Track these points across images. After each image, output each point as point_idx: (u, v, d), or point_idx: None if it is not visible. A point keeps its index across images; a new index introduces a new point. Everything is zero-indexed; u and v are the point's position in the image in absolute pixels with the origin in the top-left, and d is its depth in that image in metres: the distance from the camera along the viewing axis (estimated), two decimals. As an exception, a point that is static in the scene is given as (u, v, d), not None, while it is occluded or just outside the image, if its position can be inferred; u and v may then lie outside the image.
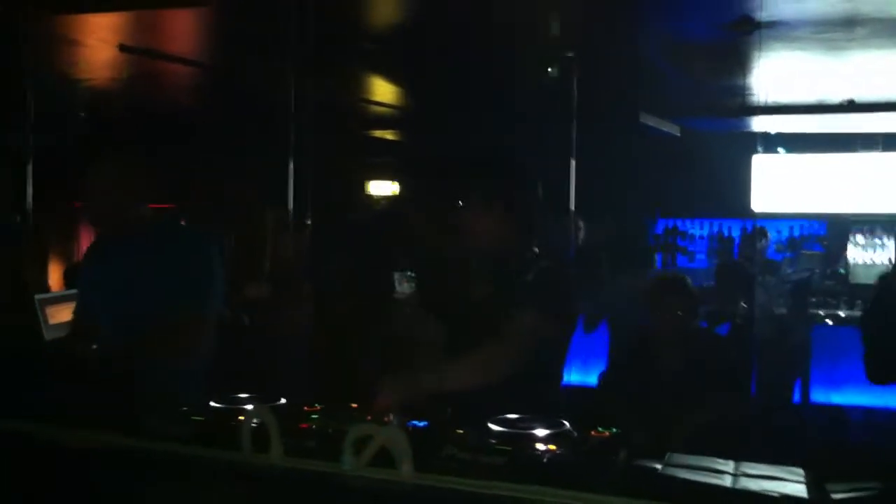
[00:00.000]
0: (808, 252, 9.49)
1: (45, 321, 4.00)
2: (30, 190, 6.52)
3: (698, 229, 10.30)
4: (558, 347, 3.08)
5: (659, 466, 2.19)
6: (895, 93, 7.54)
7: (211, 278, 3.33)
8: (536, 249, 3.08)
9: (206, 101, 8.61)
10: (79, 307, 3.51)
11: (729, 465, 2.22)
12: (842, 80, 7.15)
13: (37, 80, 6.77)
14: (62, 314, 4.01)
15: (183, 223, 4.24)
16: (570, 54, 6.24)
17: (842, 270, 9.06)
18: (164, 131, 8.75)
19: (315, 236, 6.09)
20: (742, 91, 7.58)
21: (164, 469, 2.07)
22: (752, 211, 9.05)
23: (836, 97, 7.75)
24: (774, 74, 6.97)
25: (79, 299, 3.53)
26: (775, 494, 2.03)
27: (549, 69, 6.59)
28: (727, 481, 2.11)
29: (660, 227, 10.48)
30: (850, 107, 7.86)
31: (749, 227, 8.33)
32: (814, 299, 7.73)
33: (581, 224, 7.00)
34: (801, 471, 2.19)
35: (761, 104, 8.05)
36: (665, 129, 8.27)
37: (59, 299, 4.20)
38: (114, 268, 3.37)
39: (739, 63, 6.58)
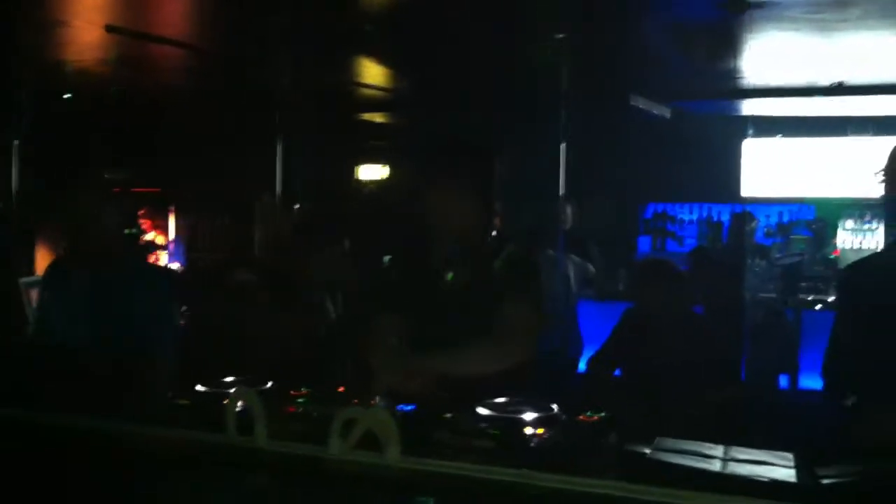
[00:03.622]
0: (798, 236, 9.50)
1: (30, 304, 3.97)
2: (15, 175, 6.50)
3: (688, 214, 10.29)
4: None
5: (648, 451, 2.18)
6: (886, 76, 7.51)
7: (167, 317, 3.39)
8: (495, 232, 3.06)
9: (195, 84, 8.54)
10: (36, 326, 3.51)
11: (718, 450, 2.20)
12: (833, 62, 7.12)
13: (24, 64, 6.74)
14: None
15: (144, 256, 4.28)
16: (559, 35, 6.20)
17: (831, 255, 9.09)
18: (152, 115, 8.71)
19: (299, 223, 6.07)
20: (733, 73, 7.55)
21: (148, 452, 2.04)
22: (741, 195, 9.07)
23: (826, 80, 7.72)
24: (765, 56, 6.94)
25: (37, 317, 3.53)
26: (765, 479, 2.02)
27: (539, 51, 6.56)
28: (716, 466, 2.10)
29: (649, 212, 10.46)
30: (841, 89, 7.83)
31: (738, 212, 8.32)
32: (803, 284, 7.74)
33: (570, 208, 6.97)
34: (790, 455, 2.18)
35: (752, 86, 8.02)
36: (655, 111, 8.23)
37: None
38: (76, 293, 3.38)
39: (730, 44, 6.55)
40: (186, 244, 10.40)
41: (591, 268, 6.68)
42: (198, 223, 10.49)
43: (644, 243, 10.36)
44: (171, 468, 2.02)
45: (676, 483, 1.91)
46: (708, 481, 1.98)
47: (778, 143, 9.16)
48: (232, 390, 2.50)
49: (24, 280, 4.10)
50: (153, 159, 9.44)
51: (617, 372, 4.51)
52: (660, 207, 10.40)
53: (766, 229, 9.54)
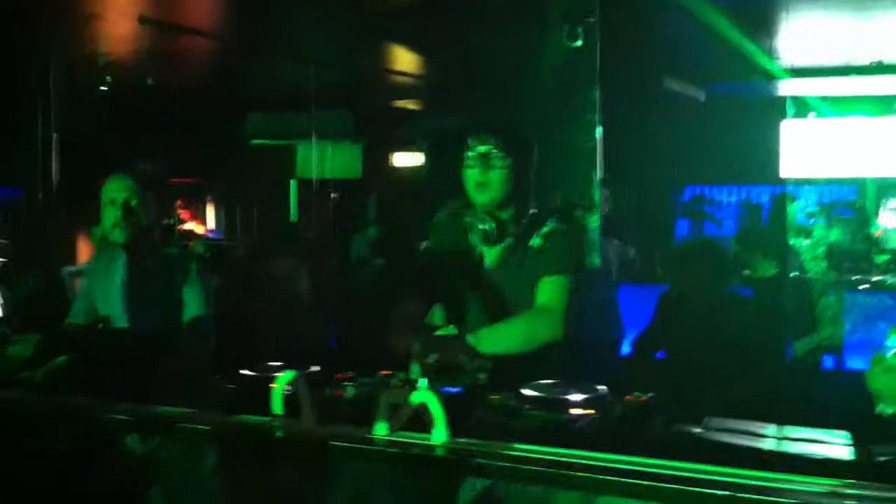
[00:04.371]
0: (840, 217, 9.38)
1: (74, 293, 3.99)
2: (55, 166, 6.56)
3: (726, 196, 10.20)
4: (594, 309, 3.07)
5: (698, 430, 2.15)
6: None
7: (205, 303, 3.42)
8: (534, 210, 3.05)
9: (232, 77, 8.57)
10: (76, 312, 3.55)
11: (770, 429, 2.17)
12: (871, 41, 7.01)
13: (58, 57, 6.79)
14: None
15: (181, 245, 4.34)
16: (592, 19, 6.15)
17: (875, 235, 8.96)
18: (189, 106, 8.75)
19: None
20: (769, 54, 7.46)
21: (197, 437, 2.05)
22: (780, 176, 8.96)
23: (865, 59, 7.61)
24: (802, 36, 6.85)
25: (76, 304, 3.58)
26: (819, 457, 1.99)
27: (572, 35, 6.50)
28: (769, 444, 2.07)
29: (687, 195, 10.38)
30: (880, 68, 7.71)
31: (777, 193, 8.23)
32: (846, 264, 7.64)
33: (607, 192, 6.92)
34: (843, 433, 2.15)
35: (789, 67, 7.92)
36: (691, 93, 8.16)
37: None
38: (116, 282, 3.42)
39: (766, 25, 6.47)
40: (224, 233, 10.47)
41: (632, 250, 6.62)
42: (235, 212, 10.55)
43: (682, 226, 10.29)
44: (219, 452, 2.03)
45: (728, 462, 1.89)
46: (762, 460, 1.95)
47: (817, 123, 9.04)
48: (277, 374, 2.50)
49: (66, 269, 4.13)
50: (190, 150, 9.49)
51: (660, 354, 4.47)
52: (697, 190, 10.33)
53: (807, 210, 9.42)
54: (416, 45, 7.49)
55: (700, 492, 1.76)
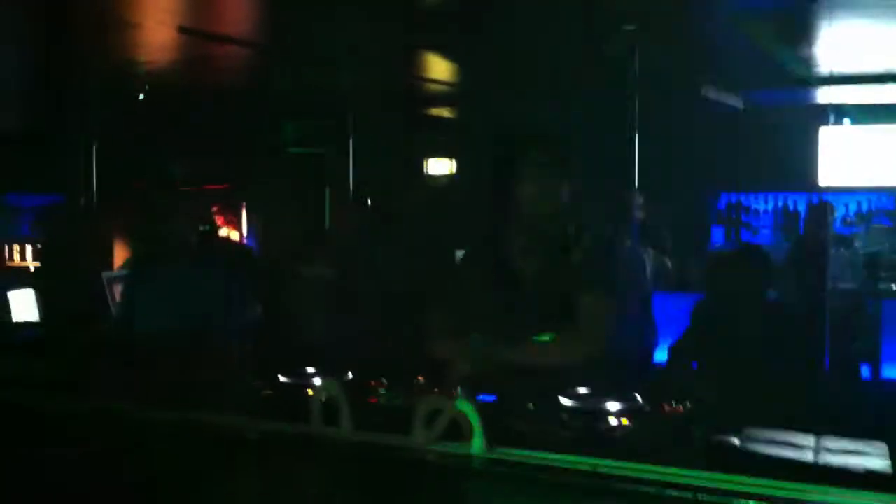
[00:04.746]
0: (878, 226, 9.28)
1: (112, 298, 4.05)
2: (94, 172, 6.64)
3: (762, 204, 10.12)
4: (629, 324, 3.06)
5: (737, 441, 2.14)
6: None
7: (243, 307, 3.46)
8: (578, 225, 3.04)
9: (261, 82, 8.63)
10: (119, 320, 3.60)
11: (809, 440, 2.16)
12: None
13: (95, 64, 6.87)
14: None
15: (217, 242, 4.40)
16: (630, 27, 6.13)
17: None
18: (221, 114, 8.82)
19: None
20: (808, 61, 7.40)
21: (234, 443, 2.06)
22: (817, 185, 8.87)
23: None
24: (841, 43, 6.79)
25: (120, 311, 3.63)
26: (860, 469, 1.97)
27: (610, 43, 6.49)
28: (809, 456, 2.05)
29: (722, 202, 10.31)
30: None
31: (815, 202, 8.15)
32: (884, 274, 7.56)
33: (643, 200, 6.89)
34: (883, 445, 2.12)
35: (827, 75, 7.85)
36: (728, 101, 8.11)
37: (123, 278, 4.25)
38: (155, 288, 3.47)
39: (805, 32, 6.42)
40: (259, 239, 10.53)
41: (668, 262, 6.60)
42: (270, 218, 10.61)
43: (717, 234, 10.22)
44: (258, 458, 2.04)
45: (768, 473, 1.88)
46: (802, 471, 1.93)
47: (856, 130, 8.94)
48: (313, 381, 2.52)
49: (106, 275, 4.18)
50: (225, 156, 9.57)
51: (694, 363, 4.45)
52: (734, 198, 10.25)
53: (845, 219, 9.34)
54: (450, 53, 7.50)
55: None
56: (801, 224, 9.05)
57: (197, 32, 6.26)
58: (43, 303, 4.96)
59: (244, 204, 10.76)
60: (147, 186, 3.73)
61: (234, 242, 8.13)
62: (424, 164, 11.31)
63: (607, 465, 1.87)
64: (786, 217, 9.76)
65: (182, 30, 6.13)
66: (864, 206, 9.49)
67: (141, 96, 8.17)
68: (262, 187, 10.40)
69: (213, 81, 8.47)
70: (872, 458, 2.04)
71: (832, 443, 2.13)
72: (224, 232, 10.29)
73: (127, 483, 2.08)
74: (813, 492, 1.77)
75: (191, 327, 3.33)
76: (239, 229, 10.57)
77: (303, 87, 8.28)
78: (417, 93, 9.02)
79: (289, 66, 7.66)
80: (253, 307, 3.56)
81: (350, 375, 2.63)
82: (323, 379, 2.43)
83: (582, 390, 2.39)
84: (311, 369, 2.66)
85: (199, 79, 8.17)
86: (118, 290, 4.00)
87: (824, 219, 7.49)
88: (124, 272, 4.15)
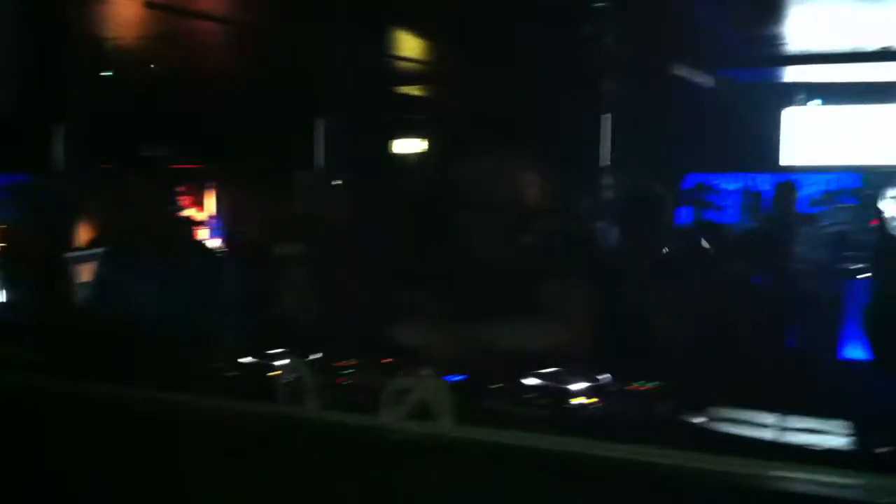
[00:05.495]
0: (842, 205, 9.36)
1: (75, 279, 4.01)
2: (61, 151, 6.57)
3: (729, 184, 10.18)
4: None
5: (700, 419, 2.16)
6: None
7: (219, 291, 3.44)
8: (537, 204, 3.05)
9: (236, 59, 8.56)
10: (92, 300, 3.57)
11: (771, 419, 2.18)
12: (878, 26, 6.98)
13: (67, 39, 6.78)
14: (90, 272, 4.04)
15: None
16: (601, 4, 6.14)
17: (870, 225, 8.94)
18: (195, 91, 8.73)
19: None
20: (774, 39, 7.43)
21: (200, 423, 2.06)
22: (781, 165, 8.96)
23: (871, 45, 7.57)
24: (808, 21, 6.83)
25: (93, 291, 3.59)
26: (820, 448, 1.99)
27: (581, 21, 6.50)
28: (770, 434, 2.08)
29: (690, 183, 10.36)
30: (887, 55, 7.68)
31: (781, 182, 8.21)
32: (847, 253, 7.63)
33: (609, 180, 6.91)
34: (844, 423, 2.15)
35: (794, 53, 7.90)
36: (698, 79, 8.13)
37: (88, 258, 4.21)
38: (128, 269, 3.44)
39: (773, 10, 6.45)
40: (226, 219, 10.45)
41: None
42: (237, 199, 10.53)
43: (685, 214, 10.27)
44: (224, 439, 2.04)
45: (731, 451, 1.90)
46: (763, 450, 1.95)
47: (820, 110, 9.02)
48: (278, 361, 2.51)
49: (70, 255, 4.14)
50: (192, 136, 9.48)
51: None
52: (700, 178, 10.30)
53: (809, 199, 9.41)
54: (419, 30, 7.48)
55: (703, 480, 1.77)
56: (766, 203, 9.11)
57: (166, 7, 6.20)
58: (5, 283, 4.91)
59: (214, 184, 10.67)
60: (117, 167, 3.70)
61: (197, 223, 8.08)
62: (392, 144, 11.28)
63: (574, 444, 1.89)
64: (751, 197, 9.82)
65: (150, 4, 6.07)
66: (828, 186, 9.57)
67: (108, 74, 8.09)
68: (233, 167, 10.32)
69: (183, 59, 8.39)
70: (835, 437, 2.06)
71: (795, 422, 2.16)
72: (190, 212, 10.22)
73: (89, 467, 2.07)
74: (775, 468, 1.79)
75: (164, 308, 3.31)
76: (207, 210, 10.50)
77: (272, 64, 8.22)
78: (386, 71, 8.98)
79: (259, 43, 7.60)
80: (226, 287, 3.55)
81: (315, 355, 2.62)
82: (290, 359, 2.43)
83: (548, 369, 2.40)
84: (275, 350, 2.65)
85: (169, 56, 8.09)
86: (82, 269, 3.97)
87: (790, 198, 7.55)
88: (90, 252, 4.12)
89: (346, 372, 2.43)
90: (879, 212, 6.83)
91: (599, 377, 2.35)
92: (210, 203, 10.64)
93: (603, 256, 3.93)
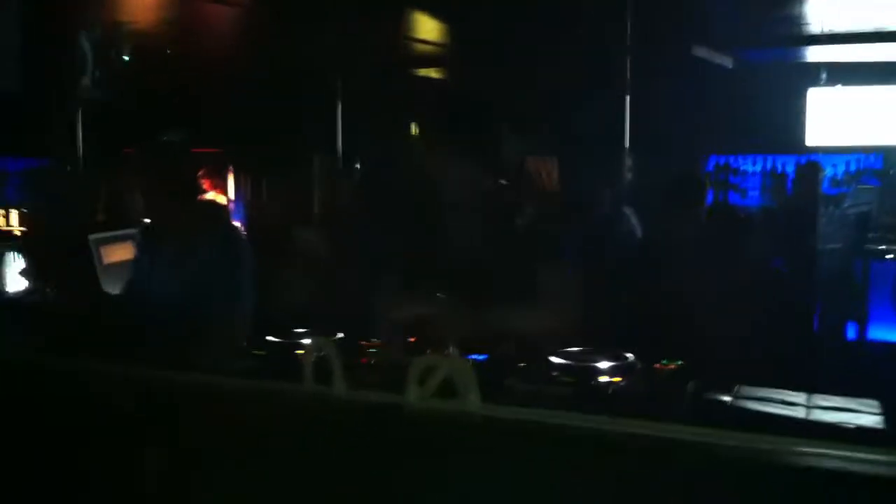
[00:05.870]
0: (865, 186, 9.28)
1: (101, 261, 4.02)
2: (80, 135, 6.59)
3: (751, 165, 10.10)
4: None
5: (728, 398, 2.15)
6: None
7: (241, 271, 3.42)
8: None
9: (251, 45, 8.55)
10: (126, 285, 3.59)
11: (800, 397, 2.16)
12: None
13: (83, 27, 6.79)
14: (116, 254, 4.04)
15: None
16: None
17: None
18: (210, 76, 8.74)
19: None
20: (797, 20, 7.36)
21: (225, 402, 2.05)
22: (806, 145, 8.87)
23: (894, 25, 7.50)
24: (830, 1, 6.76)
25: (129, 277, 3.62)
26: (851, 426, 1.98)
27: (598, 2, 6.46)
28: (800, 413, 2.06)
29: (711, 164, 10.29)
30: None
31: (803, 162, 8.14)
32: (872, 234, 7.56)
33: (632, 161, 6.86)
34: (874, 402, 2.13)
35: (817, 33, 7.81)
36: (717, 60, 8.07)
37: (112, 239, 4.22)
38: (154, 253, 3.45)
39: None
40: (246, 204, 10.47)
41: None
42: (257, 183, 10.55)
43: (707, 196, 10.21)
44: (250, 419, 2.03)
45: (760, 429, 1.88)
46: (793, 428, 1.94)
47: (844, 91, 8.92)
48: (303, 341, 2.51)
49: (94, 237, 4.15)
50: (211, 120, 9.49)
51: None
52: (722, 160, 10.23)
53: (832, 179, 9.34)
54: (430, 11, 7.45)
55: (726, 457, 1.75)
56: (789, 185, 9.05)
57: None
58: (30, 267, 4.93)
59: (232, 169, 10.69)
60: (137, 151, 3.70)
61: (222, 207, 8.09)
62: (409, 129, 11.26)
63: (601, 421, 1.87)
64: (774, 178, 9.75)
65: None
66: (852, 167, 9.50)
67: (126, 58, 8.09)
68: (253, 152, 10.34)
69: (201, 44, 8.39)
70: (864, 416, 2.04)
71: (824, 400, 2.14)
72: (211, 196, 10.22)
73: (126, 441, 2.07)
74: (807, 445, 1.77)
75: (185, 291, 3.31)
76: (226, 193, 10.51)
77: (291, 51, 8.21)
78: (400, 56, 8.95)
79: (276, 28, 7.60)
80: (250, 272, 3.55)
81: (339, 335, 2.63)
82: (315, 339, 2.43)
83: (574, 349, 2.39)
84: (300, 330, 2.66)
85: (188, 40, 8.10)
86: (105, 252, 3.98)
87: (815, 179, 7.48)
88: (113, 234, 4.13)
89: (370, 351, 2.44)
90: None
91: (625, 356, 2.34)
92: (230, 187, 10.67)
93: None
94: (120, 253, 3.99)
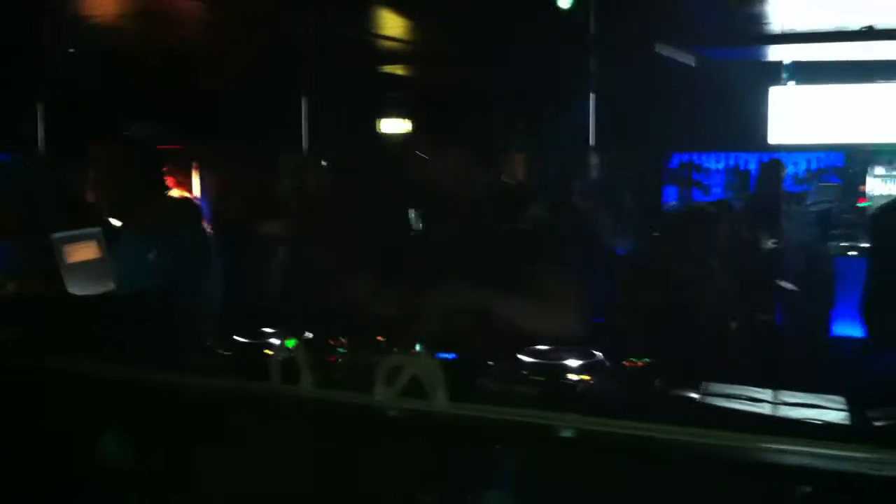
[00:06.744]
0: (827, 184, 9.39)
1: (64, 261, 3.97)
2: (42, 127, 6.51)
3: (714, 163, 10.19)
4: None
5: (696, 395, 2.16)
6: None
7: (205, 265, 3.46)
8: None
9: (215, 37, 8.50)
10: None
11: (767, 394, 2.18)
12: (861, 5, 6.98)
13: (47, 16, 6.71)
14: (79, 253, 3.99)
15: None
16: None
17: (858, 203, 8.98)
18: (174, 69, 8.66)
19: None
20: (759, 18, 7.43)
21: (194, 402, 2.04)
22: (768, 143, 8.96)
23: (855, 24, 7.58)
24: (793, 0, 6.83)
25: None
26: (818, 422, 1.99)
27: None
28: (766, 409, 2.07)
29: (675, 162, 10.36)
30: (870, 34, 7.69)
31: (766, 160, 8.21)
32: (834, 231, 7.65)
33: (597, 159, 6.89)
34: (840, 399, 2.15)
35: (779, 32, 7.89)
36: (681, 58, 8.12)
37: (75, 238, 4.16)
38: (123, 247, 3.45)
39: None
40: (211, 199, 10.38)
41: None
42: (222, 179, 10.46)
43: (670, 193, 10.28)
44: (218, 417, 2.02)
45: (727, 427, 1.89)
46: (760, 424, 1.95)
47: (806, 89, 9.02)
48: (271, 340, 2.50)
49: (56, 236, 4.09)
50: (176, 115, 9.41)
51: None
52: (685, 157, 10.31)
53: (794, 177, 9.44)
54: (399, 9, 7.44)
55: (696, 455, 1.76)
56: (752, 182, 9.13)
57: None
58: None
59: (197, 164, 10.60)
60: (102, 145, 3.67)
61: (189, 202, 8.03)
62: (377, 123, 11.25)
63: (567, 419, 1.88)
64: (737, 176, 9.84)
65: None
66: (814, 165, 9.61)
67: (92, 52, 8.01)
68: (217, 147, 10.25)
69: (166, 38, 8.32)
70: (831, 412, 2.06)
71: (790, 397, 2.16)
72: (175, 192, 10.13)
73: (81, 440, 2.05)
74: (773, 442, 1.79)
75: (153, 288, 3.29)
76: (190, 189, 10.42)
77: (255, 42, 8.17)
78: (370, 49, 8.93)
79: (241, 21, 7.55)
80: (215, 267, 3.54)
81: (306, 334, 2.61)
82: (282, 338, 2.42)
83: (541, 347, 2.39)
84: (267, 329, 2.64)
85: (152, 35, 8.03)
86: (68, 251, 3.93)
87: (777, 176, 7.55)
88: (75, 233, 4.07)
89: (338, 350, 2.42)
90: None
91: (593, 354, 2.34)
92: (195, 183, 10.58)
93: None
94: (83, 252, 3.94)
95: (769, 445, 1.78)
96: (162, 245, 3.37)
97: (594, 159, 6.75)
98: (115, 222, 3.53)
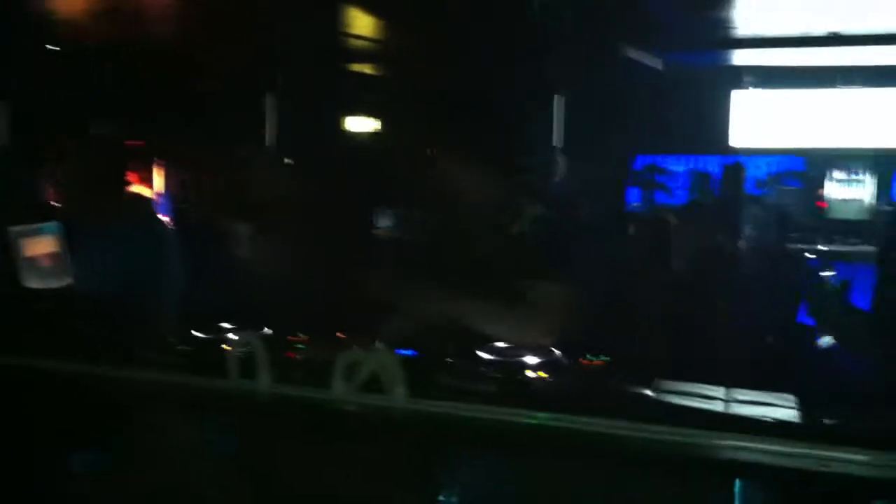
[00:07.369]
0: (787, 188, 9.50)
1: (21, 254, 3.93)
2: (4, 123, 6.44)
3: (677, 165, 10.26)
4: None
5: (649, 392, 2.18)
6: (882, 25, 7.47)
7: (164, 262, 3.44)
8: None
9: (176, 32, 8.42)
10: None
11: (719, 392, 2.21)
12: (827, 11, 7.06)
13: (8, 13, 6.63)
14: (37, 247, 3.95)
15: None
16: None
17: (820, 206, 9.10)
18: (135, 65, 8.58)
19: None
20: (723, 23, 7.49)
21: (153, 397, 2.04)
22: (731, 147, 9.05)
23: (820, 30, 7.66)
24: (755, 4, 6.89)
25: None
26: (769, 420, 2.02)
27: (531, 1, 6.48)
28: (719, 407, 2.10)
29: (639, 164, 10.41)
30: (835, 39, 7.78)
31: (729, 164, 8.29)
32: (793, 234, 7.73)
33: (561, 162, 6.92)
34: (791, 397, 2.19)
35: (742, 37, 7.96)
36: (647, 62, 8.16)
37: (32, 232, 4.12)
38: (80, 244, 3.42)
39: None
40: (174, 196, 10.32)
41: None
42: (185, 175, 10.39)
43: (634, 196, 10.32)
44: (176, 413, 2.02)
45: (680, 423, 1.92)
46: (713, 422, 1.98)
47: (768, 94, 9.12)
48: (229, 337, 2.49)
49: (14, 229, 4.05)
50: (137, 112, 9.33)
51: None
52: (649, 159, 10.36)
53: (755, 181, 9.52)
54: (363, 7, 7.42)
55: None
56: (714, 185, 9.20)
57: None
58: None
59: (162, 161, 10.52)
60: (64, 142, 3.65)
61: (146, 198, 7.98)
62: (344, 122, 11.20)
63: (524, 416, 1.90)
64: (700, 178, 9.90)
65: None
66: (774, 169, 9.71)
67: (52, 49, 7.93)
68: (177, 142, 10.19)
69: (131, 34, 8.24)
70: (781, 409, 2.09)
71: (742, 395, 2.19)
72: (137, 189, 10.04)
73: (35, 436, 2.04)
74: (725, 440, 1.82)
75: (113, 284, 3.27)
76: (152, 186, 10.34)
77: (221, 41, 8.11)
78: (332, 47, 8.89)
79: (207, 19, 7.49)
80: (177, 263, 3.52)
81: (265, 330, 2.61)
82: (241, 334, 2.41)
83: (500, 344, 2.41)
84: (226, 325, 2.64)
85: (117, 32, 7.95)
86: (25, 245, 3.89)
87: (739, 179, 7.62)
88: (33, 227, 4.03)
89: (295, 347, 2.42)
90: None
91: (550, 352, 2.36)
92: (158, 180, 10.51)
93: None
94: (41, 246, 3.90)
95: (720, 442, 1.81)
96: (118, 241, 3.35)
97: (560, 161, 6.79)
98: (74, 217, 3.49)
